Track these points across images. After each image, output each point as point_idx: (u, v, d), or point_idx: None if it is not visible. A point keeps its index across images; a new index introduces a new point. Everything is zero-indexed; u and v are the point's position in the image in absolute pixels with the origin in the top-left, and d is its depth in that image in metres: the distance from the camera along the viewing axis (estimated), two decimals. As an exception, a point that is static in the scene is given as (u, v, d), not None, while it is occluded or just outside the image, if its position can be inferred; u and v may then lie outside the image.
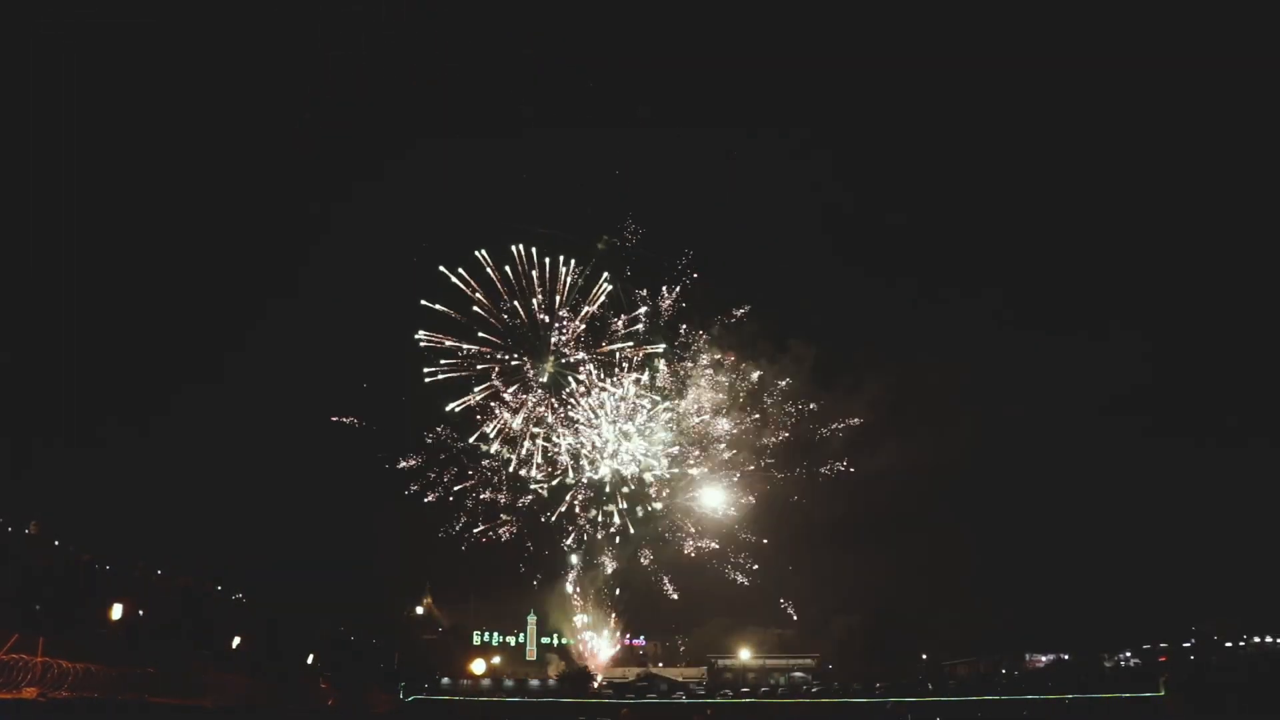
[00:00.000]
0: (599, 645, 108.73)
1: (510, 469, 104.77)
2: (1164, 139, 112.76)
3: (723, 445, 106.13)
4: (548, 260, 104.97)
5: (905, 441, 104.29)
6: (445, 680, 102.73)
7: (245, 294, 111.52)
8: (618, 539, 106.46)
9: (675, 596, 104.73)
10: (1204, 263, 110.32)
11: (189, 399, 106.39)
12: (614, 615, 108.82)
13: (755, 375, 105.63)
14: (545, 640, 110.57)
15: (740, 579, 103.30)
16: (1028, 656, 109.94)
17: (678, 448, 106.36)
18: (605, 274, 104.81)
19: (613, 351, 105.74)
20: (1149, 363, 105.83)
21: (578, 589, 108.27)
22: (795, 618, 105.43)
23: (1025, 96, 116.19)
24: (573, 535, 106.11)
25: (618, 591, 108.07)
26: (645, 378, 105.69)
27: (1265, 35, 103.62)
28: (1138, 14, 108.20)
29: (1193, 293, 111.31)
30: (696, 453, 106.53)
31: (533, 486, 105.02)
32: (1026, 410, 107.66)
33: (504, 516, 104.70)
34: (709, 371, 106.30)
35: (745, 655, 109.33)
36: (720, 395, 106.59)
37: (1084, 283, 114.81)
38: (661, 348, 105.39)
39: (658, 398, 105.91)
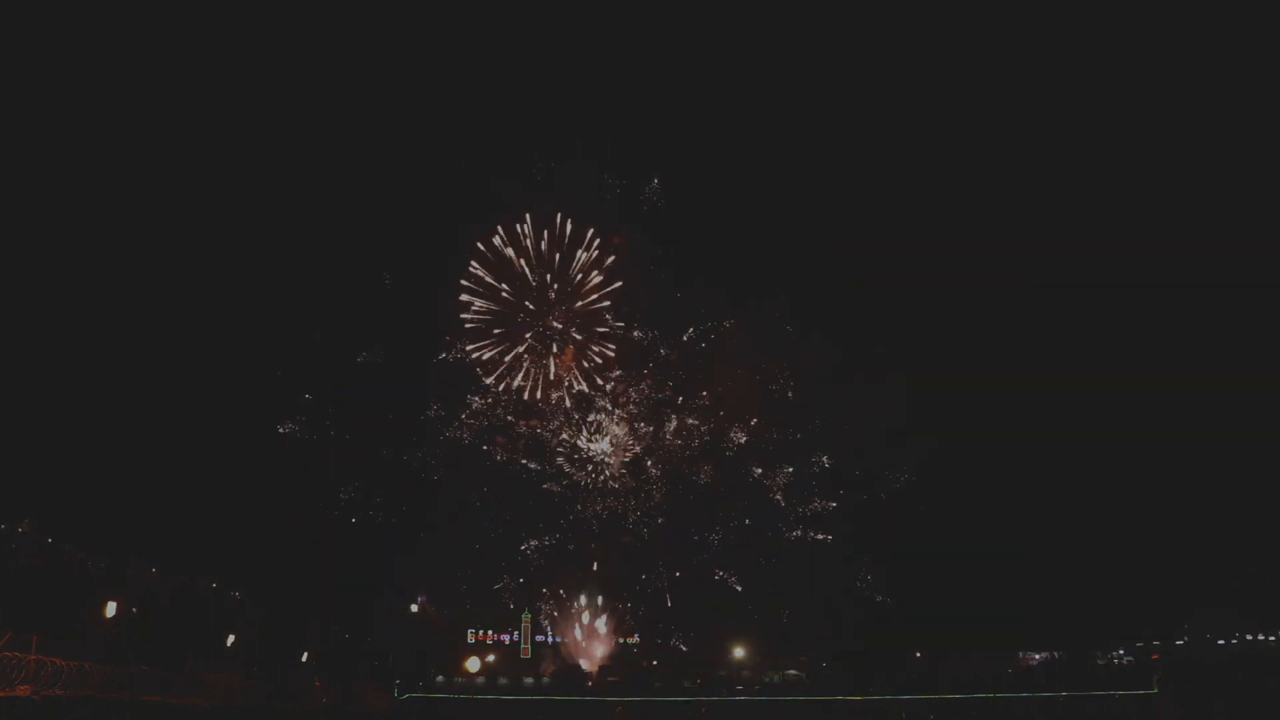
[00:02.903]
0: (593, 644, 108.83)
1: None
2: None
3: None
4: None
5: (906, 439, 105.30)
6: (440, 678, 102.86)
7: (242, 286, 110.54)
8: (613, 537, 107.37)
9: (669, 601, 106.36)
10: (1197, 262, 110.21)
11: (184, 394, 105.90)
12: (608, 614, 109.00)
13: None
14: (540, 639, 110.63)
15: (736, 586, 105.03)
16: (1021, 654, 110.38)
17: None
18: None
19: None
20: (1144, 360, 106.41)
21: (573, 590, 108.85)
22: (790, 615, 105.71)
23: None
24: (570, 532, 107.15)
25: (612, 589, 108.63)
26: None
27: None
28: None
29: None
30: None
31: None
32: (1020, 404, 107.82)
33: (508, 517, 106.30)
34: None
35: (740, 653, 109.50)
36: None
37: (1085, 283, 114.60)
38: None
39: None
